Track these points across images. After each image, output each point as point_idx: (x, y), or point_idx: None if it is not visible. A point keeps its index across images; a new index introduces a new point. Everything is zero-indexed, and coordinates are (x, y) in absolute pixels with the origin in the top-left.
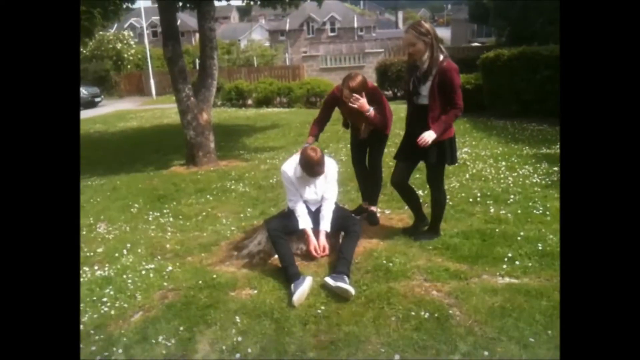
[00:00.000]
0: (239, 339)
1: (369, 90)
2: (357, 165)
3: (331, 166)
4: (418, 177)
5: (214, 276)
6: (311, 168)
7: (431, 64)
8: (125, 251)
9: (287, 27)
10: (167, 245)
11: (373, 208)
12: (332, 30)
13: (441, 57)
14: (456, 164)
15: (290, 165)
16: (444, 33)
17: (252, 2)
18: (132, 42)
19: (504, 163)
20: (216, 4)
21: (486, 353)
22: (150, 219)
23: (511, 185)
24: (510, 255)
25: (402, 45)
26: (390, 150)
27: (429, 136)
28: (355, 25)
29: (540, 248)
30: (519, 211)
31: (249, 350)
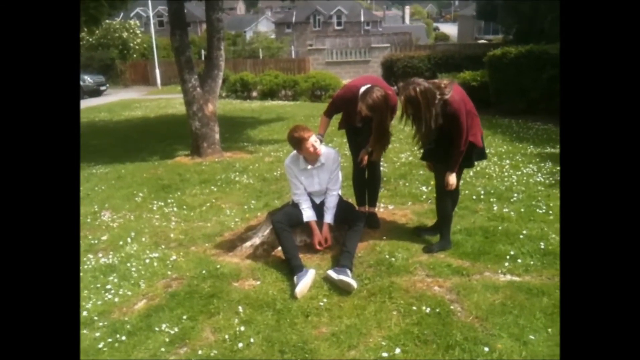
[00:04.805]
0: (242, 328)
1: (391, 107)
2: (357, 165)
3: (333, 156)
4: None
5: (218, 266)
6: (299, 143)
7: (434, 123)
8: (129, 239)
9: (294, 20)
10: (171, 235)
11: (373, 209)
12: (339, 23)
13: (446, 95)
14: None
15: (294, 159)
16: (451, 29)
17: None
18: (138, 32)
19: (508, 161)
20: None
21: (486, 349)
22: (154, 208)
23: (515, 183)
24: (512, 253)
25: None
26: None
27: (453, 179)
28: (362, 19)
29: (542, 247)
30: (522, 209)
31: (251, 340)
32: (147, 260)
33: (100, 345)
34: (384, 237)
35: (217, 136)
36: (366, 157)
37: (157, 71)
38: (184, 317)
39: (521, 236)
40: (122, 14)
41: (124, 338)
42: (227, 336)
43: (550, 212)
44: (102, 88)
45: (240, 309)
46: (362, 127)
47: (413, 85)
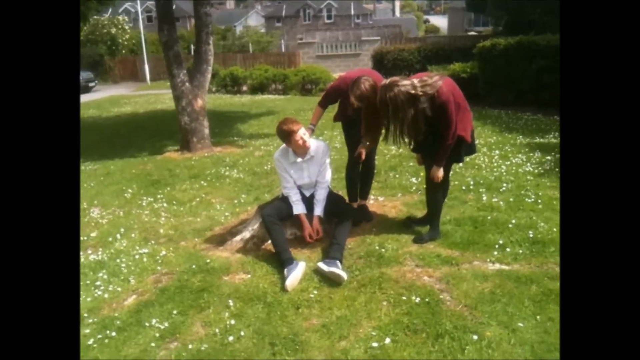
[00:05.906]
0: (232, 322)
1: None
2: (352, 159)
3: (323, 149)
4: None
5: (208, 261)
6: (287, 136)
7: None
8: (118, 236)
9: (284, 14)
10: (161, 230)
11: (364, 201)
12: (329, 17)
13: (430, 92)
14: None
15: (283, 152)
16: (441, 21)
17: None
18: (126, 27)
19: (497, 152)
20: None
21: (475, 337)
22: (144, 204)
23: (504, 173)
24: (501, 242)
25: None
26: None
27: (440, 173)
28: (352, 12)
29: (531, 235)
30: (511, 199)
31: (242, 333)
32: (137, 256)
33: (90, 342)
34: (374, 229)
35: (207, 131)
36: (364, 152)
37: (146, 67)
38: (174, 312)
39: (510, 225)
40: (110, 10)
41: (114, 334)
42: (217, 330)
43: (539, 201)
44: (91, 84)
45: (231, 302)
46: (357, 119)
47: (386, 87)
